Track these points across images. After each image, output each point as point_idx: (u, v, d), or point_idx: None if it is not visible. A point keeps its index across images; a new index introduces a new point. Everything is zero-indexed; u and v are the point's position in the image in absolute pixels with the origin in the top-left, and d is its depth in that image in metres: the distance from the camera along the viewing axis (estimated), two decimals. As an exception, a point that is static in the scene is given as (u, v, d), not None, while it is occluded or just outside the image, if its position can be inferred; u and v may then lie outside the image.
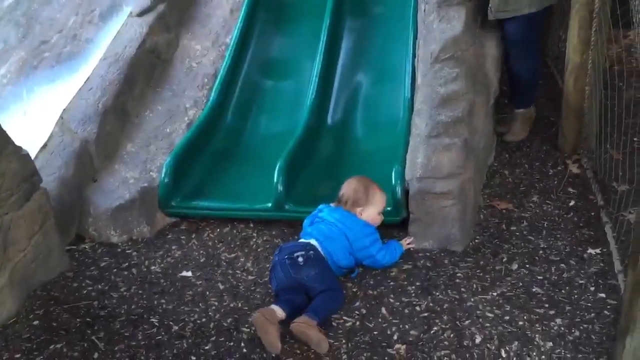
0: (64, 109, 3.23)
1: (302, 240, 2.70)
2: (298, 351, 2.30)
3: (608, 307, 2.43)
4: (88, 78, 3.39)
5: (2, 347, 2.34)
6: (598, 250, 2.76)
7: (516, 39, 3.40)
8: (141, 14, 3.73)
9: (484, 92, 3.33)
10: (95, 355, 2.31)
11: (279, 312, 2.38)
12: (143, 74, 3.53)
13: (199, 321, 2.47)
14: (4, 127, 2.51)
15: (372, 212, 2.74)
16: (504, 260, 2.73)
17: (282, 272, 2.52)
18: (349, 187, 2.76)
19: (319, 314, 2.38)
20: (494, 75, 3.53)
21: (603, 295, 2.50)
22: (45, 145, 3.08)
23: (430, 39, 3.24)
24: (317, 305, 2.42)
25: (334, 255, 2.62)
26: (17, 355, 2.31)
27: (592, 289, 2.54)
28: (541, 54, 3.73)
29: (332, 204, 2.80)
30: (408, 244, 2.80)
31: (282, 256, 2.56)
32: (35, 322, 2.46)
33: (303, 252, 2.55)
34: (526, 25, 3.34)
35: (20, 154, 2.53)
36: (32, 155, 2.91)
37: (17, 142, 2.58)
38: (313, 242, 2.64)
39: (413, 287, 2.59)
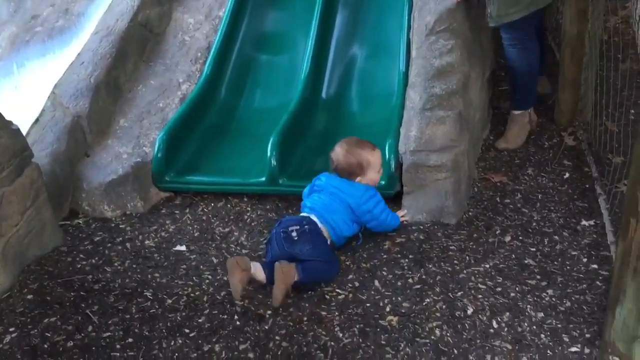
0: (56, 84, 3.21)
1: (301, 214, 2.69)
2: (291, 324, 2.31)
3: (600, 278, 2.44)
4: (80, 52, 3.36)
5: (-4, 321, 2.35)
6: (592, 222, 2.76)
7: (512, 38, 3.21)
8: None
9: (479, 64, 3.30)
10: (89, 328, 2.32)
11: (260, 275, 2.42)
12: (135, 47, 3.50)
13: (192, 294, 2.48)
14: (-6, 102, 2.50)
15: (370, 175, 2.70)
16: (497, 232, 2.73)
17: (276, 246, 2.53)
18: (340, 159, 2.70)
19: (307, 274, 2.41)
20: (490, 47, 3.51)
21: (595, 266, 2.51)
22: (37, 120, 3.07)
23: (426, 10, 3.21)
24: (309, 266, 2.44)
25: (335, 228, 2.61)
26: (12, 329, 2.32)
27: (585, 260, 2.54)
28: (540, 51, 3.38)
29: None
30: (402, 216, 2.79)
31: (278, 230, 2.56)
32: (30, 297, 2.47)
33: (298, 227, 2.54)
34: (523, 24, 3.15)
35: (10, 128, 2.51)
36: (25, 131, 2.91)
37: (9, 117, 2.57)
38: (312, 217, 2.62)
39: (406, 260, 2.59)
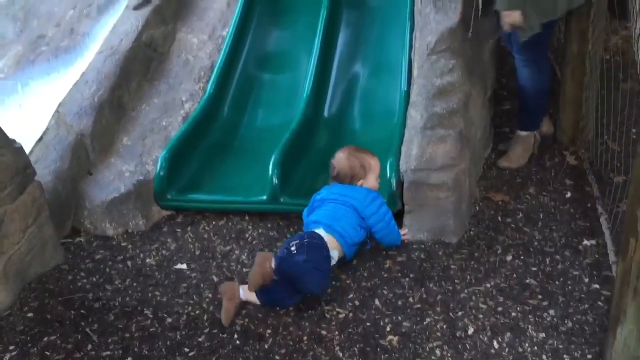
0: (60, 103, 3.24)
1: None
2: (290, 343, 2.31)
3: (602, 298, 2.43)
4: (84, 71, 3.40)
5: (-4, 339, 2.35)
6: (593, 242, 2.75)
7: (527, 59, 3.17)
8: (138, 7, 3.73)
9: (480, 84, 3.31)
10: (89, 346, 2.32)
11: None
12: (139, 67, 3.53)
13: (192, 313, 2.48)
14: (-2, 121, 2.52)
15: (371, 180, 2.73)
16: (499, 251, 2.72)
17: (279, 265, 2.47)
18: (342, 164, 2.73)
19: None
20: (491, 66, 3.52)
21: (597, 286, 2.49)
22: (41, 139, 3.09)
23: (427, 30, 3.22)
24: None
25: (345, 235, 2.59)
26: (12, 347, 2.32)
27: (587, 280, 2.53)
28: (551, 72, 3.41)
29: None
30: (403, 235, 2.79)
31: (281, 250, 2.56)
32: (30, 315, 2.47)
33: (297, 241, 2.53)
34: (539, 45, 3.10)
35: (13, 146, 2.54)
36: (28, 149, 2.93)
37: (13, 135, 2.59)
38: (319, 231, 2.59)
39: (407, 279, 2.59)
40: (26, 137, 2.97)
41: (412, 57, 3.33)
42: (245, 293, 2.45)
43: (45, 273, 2.71)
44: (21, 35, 4.03)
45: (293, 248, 2.49)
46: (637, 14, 2.42)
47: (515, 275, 2.57)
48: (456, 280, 2.56)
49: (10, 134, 2.57)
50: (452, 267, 2.64)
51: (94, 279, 2.69)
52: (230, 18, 3.86)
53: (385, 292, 2.52)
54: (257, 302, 2.45)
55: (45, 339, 2.35)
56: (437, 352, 2.23)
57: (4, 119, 2.58)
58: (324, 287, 2.49)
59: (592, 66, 3.33)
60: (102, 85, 3.30)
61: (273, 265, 2.40)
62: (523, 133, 3.35)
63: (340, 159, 2.74)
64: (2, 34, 4.06)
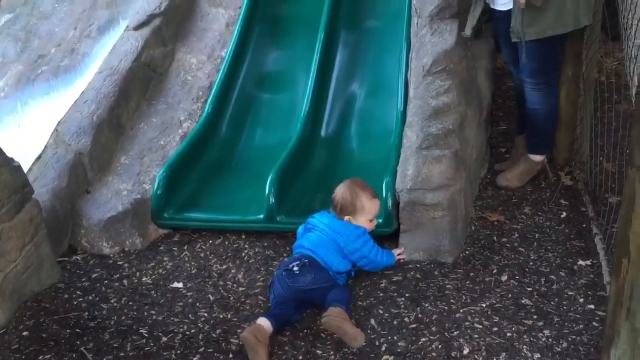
0: (59, 122, 3.27)
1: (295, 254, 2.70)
2: (284, 356, 2.31)
3: (597, 318, 2.43)
4: (83, 91, 3.42)
5: (-9, 357, 2.35)
6: (588, 262, 2.76)
7: (539, 82, 3.15)
8: (137, 27, 3.77)
9: (476, 104, 3.34)
10: (84, 366, 2.32)
11: (267, 327, 2.36)
12: (138, 86, 3.56)
13: (188, 332, 2.48)
14: (-3, 139, 2.55)
15: (361, 221, 2.72)
16: (494, 271, 2.73)
17: (279, 285, 2.52)
18: (338, 193, 2.74)
19: (343, 302, 2.40)
20: (487, 87, 3.56)
21: (592, 306, 2.50)
22: (39, 157, 3.11)
23: (423, 52, 3.27)
24: (337, 295, 2.44)
25: (329, 263, 2.61)
26: (6, 366, 2.32)
27: (582, 300, 2.54)
28: (558, 93, 3.32)
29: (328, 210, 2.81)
30: (398, 254, 2.80)
31: (280, 271, 2.57)
32: (25, 333, 2.47)
33: (298, 262, 2.55)
34: (545, 50, 3.03)
35: (11, 165, 2.55)
36: (27, 167, 2.95)
37: (11, 154, 2.61)
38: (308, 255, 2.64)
39: (402, 299, 2.59)
40: (25, 155, 2.99)
41: (408, 78, 3.38)
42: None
43: (42, 291, 2.71)
44: (22, 54, 4.07)
45: (295, 268, 2.51)
46: (628, 37, 2.46)
47: (510, 295, 2.58)
48: (452, 300, 2.56)
49: (9, 153, 2.59)
50: (447, 286, 2.65)
51: (90, 298, 2.69)
52: (229, 39, 3.90)
53: (380, 311, 2.53)
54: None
55: (41, 357, 2.35)
56: (432, 372, 2.23)
57: (2, 138, 2.61)
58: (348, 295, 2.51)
59: (586, 87, 3.37)
60: (101, 105, 3.33)
61: (269, 329, 2.35)
62: (534, 157, 3.32)
63: (339, 189, 2.76)
64: (3, 53, 4.10)
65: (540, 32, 2.94)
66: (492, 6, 3.14)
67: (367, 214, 2.73)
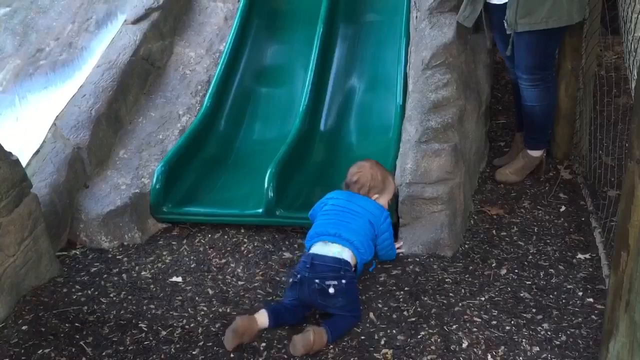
0: (57, 116, 3.26)
1: (332, 247, 2.48)
2: (285, 356, 2.30)
3: (595, 312, 2.43)
4: (81, 85, 3.41)
5: (-10, 352, 2.35)
6: (587, 256, 2.76)
7: (535, 79, 3.11)
8: (136, 21, 3.76)
9: (475, 98, 3.34)
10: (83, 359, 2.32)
11: (262, 323, 2.37)
12: (137, 81, 3.55)
13: (187, 326, 2.48)
14: (-5, 134, 2.54)
15: (385, 199, 2.69)
16: (493, 265, 2.73)
17: (308, 295, 2.40)
18: (364, 173, 2.66)
19: (334, 333, 2.32)
20: (486, 81, 3.55)
21: (591, 300, 2.50)
22: (37, 152, 3.10)
23: (422, 45, 3.26)
24: (336, 325, 2.36)
25: (363, 254, 2.52)
26: (5, 360, 2.32)
27: (580, 294, 2.54)
28: (556, 87, 3.30)
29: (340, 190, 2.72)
30: (398, 248, 2.80)
31: (312, 278, 2.39)
32: (24, 327, 2.47)
33: (336, 283, 2.37)
34: (542, 43, 3.02)
35: (9, 159, 2.54)
36: (25, 162, 2.94)
37: (10, 148, 2.60)
38: (346, 254, 2.47)
39: (401, 292, 2.59)
40: (23, 150, 2.98)
41: (407, 71, 3.37)
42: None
43: (41, 286, 2.70)
44: (20, 48, 4.04)
45: (332, 290, 2.36)
46: (627, 30, 2.46)
47: (509, 289, 2.58)
48: (451, 294, 2.56)
49: (7, 147, 2.58)
50: (446, 280, 2.65)
51: (89, 292, 2.69)
52: (227, 33, 3.89)
53: (379, 305, 2.53)
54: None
55: (40, 351, 2.35)
56: (432, 365, 2.23)
57: (1, 132, 2.59)
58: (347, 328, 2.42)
59: (585, 81, 3.36)
60: (99, 99, 3.32)
61: (259, 325, 2.35)
62: (533, 153, 3.31)
63: (364, 166, 2.68)
64: (1, 47, 4.07)
65: (533, 24, 2.94)
66: None
67: (389, 193, 2.70)
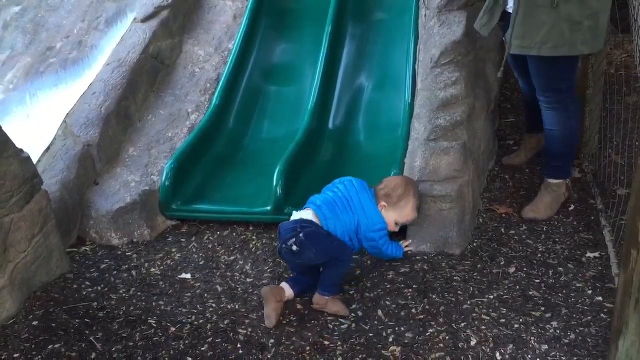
0: (68, 114, 3.28)
1: (302, 212, 2.57)
2: (293, 353, 2.31)
3: (605, 310, 2.42)
4: (92, 83, 3.44)
5: (1, 347, 2.37)
6: (597, 254, 2.75)
7: (551, 101, 2.90)
8: (145, 20, 3.78)
9: (484, 96, 3.33)
10: (93, 355, 2.33)
11: (288, 292, 2.51)
12: (146, 78, 3.57)
13: (196, 323, 2.49)
14: (7, 131, 2.55)
15: (392, 216, 2.64)
16: (502, 263, 2.73)
17: (286, 258, 2.60)
18: (393, 180, 2.70)
19: (329, 288, 2.48)
20: (495, 79, 3.54)
21: (600, 298, 2.49)
22: (48, 149, 3.13)
23: (431, 43, 3.26)
24: (325, 280, 2.50)
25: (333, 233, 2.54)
26: (16, 355, 2.33)
27: (590, 292, 2.53)
28: (579, 114, 3.04)
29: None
30: (406, 246, 2.80)
31: (280, 244, 2.54)
32: (35, 323, 2.49)
33: (294, 239, 2.46)
34: (544, 69, 2.83)
35: (21, 156, 2.57)
36: (36, 159, 2.97)
37: (21, 145, 2.62)
38: (307, 213, 2.54)
39: (410, 290, 2.59)
40: (34, 147, 3.00)
41: (416, 70, 3.37)
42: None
43: (51, 282, 2.73)
44: (30, 47, 4.08)
45: (294, 247, 2.46)
46: (638, 29, 2.44)
47: (518, 287, 2.58)
48: (459, 292, 2.56)
49: (19, 144, 2.60)
50: (455, 278, 2.65)
51: (99, 288, 2.71)
52: (236, 31, 3.90)
53: (388, 302, 2.53)
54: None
55: (50, 347, 2.37)
56: (440, 363, 2.23)
57: (12, 129, 2.61)
58: (349, 252, 2.54)
59: (595, 79, 3.35)
60: (109, 97, 3.34)
61: (286, 296, 2.51)
62: (553, 181, 3.03)
63: (399, 177, 2.77)
64: (11, 45, 4.11)
65: (525, 48, 2.75)
66: (506, 8, 2.92)
67: (400, 217, 2.66)
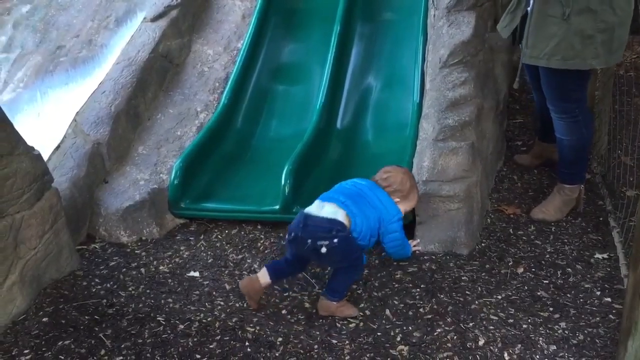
0: (78, 112, 3.30)
1: (327, 207, 2.45)
2: (301, 351, 2.32)
3: (613, 311, 2.42)
4: (101, 82, 3.45)
5: (11, 343, 2.38)
6: (605, 255, 2.74)
7: (560, 110, 2.88)
8: (155, 19, 3.79)
9: (492, 97, 3.33)
10: (102, 352, 2.35)
11: (263, 282, 2.53)
12: (155, 77, 3.59)
13: (204, 320, 2.50)
14: (18, 129, 2.57)
15: (404, 208, 2.61)
16: (510, 264, 2.73)
17: (303, 252, 2.46)
18: (396, 175, 2.60)
19: (338, 294, 2.47)
20: (504, 80, 3.54)
21: (609, 299, 2.49)
22: (58, 147, 3.15)
23: (440, 43, 3.26)
24: (335, 285, 2.48)
25: (358, 229, 2.46)
26: (26, 352, 2.35)
27: (598, 293, 2.53)
28: (590, 124, 3.00)
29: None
30: (414, 246, 2.79)
31: (305, 237, 2.41)
32: (45, 319, 2.51)
33: (327, 242, 2.38)
34: (553, 79, 2.80)
35: (32, 153, 2.58)
36: (46, 156, 2.98)
37: (31, 143, 2.64)
38: (340, 215, 2.43)
39: (418, 290, 2.59)
40: (44, 144, 3.02)
41: (424, 69, 3.37)
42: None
43: (61, 279, 2.74)
44: (40, 45, 4.11)
45: (324, 249, 2.38)
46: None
47: (526, 288, 2.58)
48: (467, 292, 2.56)
49: (29, 142, 2.62)
50: (463, 278, 2.65)
51: (108, 285, 2.72)
52: (245, 31, 3.91)
53: (396, 302, 2.53)
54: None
55: (60, 343, 2.38)
56: (448, 362, 2.24)
57: (23, 127, 2.63)
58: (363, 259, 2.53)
59: (604, 80, 3.34)
60: (118, 95, 3.36)
61: (262, 285, 2.54)
62: (566, 186, 3.02)
63: (398, 170, 2.65)
64: (22, 44, 4.14)
65: (532, 57, 2.74)
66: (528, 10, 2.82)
67: (409, 207, 2.65)
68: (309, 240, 2.41)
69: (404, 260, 2.77)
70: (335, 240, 2.39)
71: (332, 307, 2.47)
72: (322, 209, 2.47)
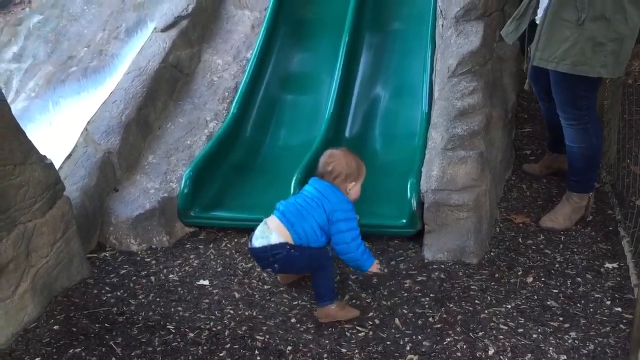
0: (89, 121, 3.33)
1: (264, 227, 2.52)
2: (309, 354, 2.32)
3: (624, 321, 2.41)
4: (112, 91, 3.49)
5: (23, 350, 2.40)
6: (615, 265, 2.74)
7: (569, 117, 2.88)
8: (165, 29, 3.83)
9: (501, 106, 3.34)
10: (113, 359, 2.36)
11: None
12: (165, 87, 3.62)
13: (214, 329, 2.51)
14: (30, 138, 2.60)
15: (359, 185, 2.56)
16: (519, 273, 2.72)
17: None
18: (339, 161, 2.52)
19: (325, 297, 2.50)
20: (512, 89, 3.55)
21: (619, 309, 2.48)
22: (70, 155, 3.17)
23: (448, 53, 3.27)
24: (319, 290, 2.53)
25: (302, 237, 2.45)
26: (37, 359, 2.36)
27: (608, 302, 2.52)
28: (600, 133, 2.96)
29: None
30: (376, 265, 2.57)
31: (259, 264, 2.68)
32: (56, 327, 2.52)
33: (270, 269, 2.57)
34: (564, 84, 2.79)
35: (44, 162, 2.61)
36: (58, 165, 3.01)
37: (43, 152, 2.67)
38: (274, 237, 2.45)
39: (427, 299, 2.59)
40: (56, 153, 3.05)
41: (433, 79, 3.38)
42: None
43: (71, 287, 2.76)
44: (52, 55, 4.16)
45: (275, 267, 2.53)
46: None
47: (536, 297, 2.57)
48: (476, 301, 2.56)
49: (41, 151, 2.65)
50: (472, 287, 2.65)
51: (119, 294, 2.74)
52: (254, 40, 3.95)
53: (405, 311, 2.54)
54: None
55: (71, 351, 2.39)
56: (457, 372, 2.23)
57: (35, 136, 2.66)
58: (327, 255, 2.52)
59: (613, 89, 3.34)
60: (129, 105, 3.39)
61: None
62: (575, 194, 3.02)
63: (337, 155, 2.54)
64: (34, 54, 4.19)
65: (542, 60, 2.74)
66: (535, 18, 2.87)
67: (362, 178, 2.58)
68: (262, 266, 2.66)
69: (413, 269, 2.77)
70: (276, 265, 2.51)
71: (331, 312, 2.49)
72: (259, 235, 2.53)
